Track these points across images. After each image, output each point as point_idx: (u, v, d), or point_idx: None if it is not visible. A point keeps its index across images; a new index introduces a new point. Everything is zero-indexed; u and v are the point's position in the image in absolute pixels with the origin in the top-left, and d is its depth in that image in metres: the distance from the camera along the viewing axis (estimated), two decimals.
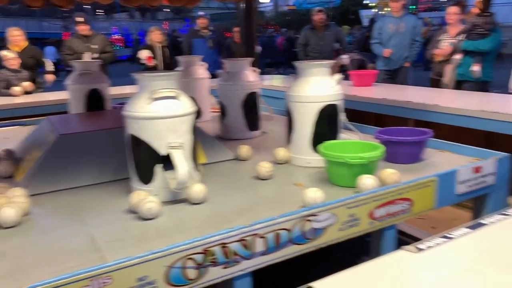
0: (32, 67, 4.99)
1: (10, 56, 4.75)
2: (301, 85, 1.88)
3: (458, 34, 4.46)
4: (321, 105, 1.85)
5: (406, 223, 2.41)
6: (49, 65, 5.14)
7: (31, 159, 1.86)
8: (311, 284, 0.79)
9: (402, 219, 1.62)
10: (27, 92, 4.44)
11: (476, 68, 4.25)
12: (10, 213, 1.36)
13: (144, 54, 6.00)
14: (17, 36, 5.05)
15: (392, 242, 1.62)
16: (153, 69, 5.95)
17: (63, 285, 1.00)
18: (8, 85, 4.53)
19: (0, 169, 1.87)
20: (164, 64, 6.09)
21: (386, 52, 5.30)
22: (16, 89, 4.39)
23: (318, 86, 1.86)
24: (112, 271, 1.05)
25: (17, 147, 2.16)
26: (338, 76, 1.93)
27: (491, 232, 1.04)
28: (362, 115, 3.50)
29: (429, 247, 0.97)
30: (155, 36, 6.16)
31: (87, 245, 1.26)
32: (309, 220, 1.34)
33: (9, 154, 2.04)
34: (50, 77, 5.02)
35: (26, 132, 2.33)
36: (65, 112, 2.92)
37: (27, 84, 4.49)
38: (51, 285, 0.98)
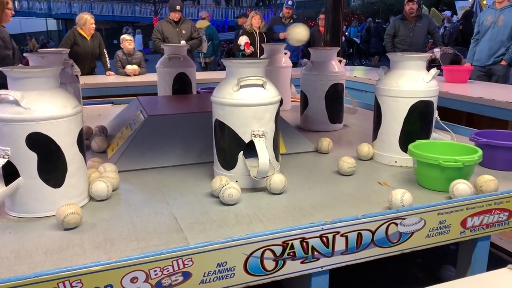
0: (96, 56, 5.12)
1: (128, 39, 5.04)
2: (394, 78, 1.78)
3: None
4: (413, 101, 1.73)
5: (498, 234, 2.21)
6: (106, 62, 5.23)
7: (121, 137, 1.96)
8: None
9: (498, 232, 1.48)
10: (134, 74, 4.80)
11: None
12: (102, 187, 1.44)
13: (243, 40, 5.94)
14: (93, 24, 5.00)
15: (484, 254, 1.49)
16: (251, 56, 5.85)
17: (148, 262, 1.03)
18: (122, 66, 4.93)
19: (94, 144, 1.99)
20: (261, 51, 5.91)
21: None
22: (129, 68, 4.75)
23: (412, 80, 1.75)
24: (194, 253, 1.07)
25: (108, 124, 2.30)
26: (434, 70, 1.79)
27: None
28: (453, 114, 3.26)
29: None
30: (256, 21, 6.06)
31: (170, 224, 1.29)
32: (395, 223, 1.27)
33: (102, 130, 2.17)
34: (111, 74, 5.02)
35: (117, 111, 2.46)
36: (153, 94, 3.05)
37: (135, 68, 4.79)
38: (137, 261, 1.02)
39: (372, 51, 15.42)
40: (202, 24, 7.51)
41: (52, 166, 1.33)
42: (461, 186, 1.42)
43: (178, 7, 5.57)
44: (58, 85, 1.39)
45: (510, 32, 4.83)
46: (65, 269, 0.97)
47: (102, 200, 1.46)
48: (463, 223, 1.38)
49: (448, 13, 14.66)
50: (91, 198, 1.46)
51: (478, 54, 5.02)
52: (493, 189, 1.46)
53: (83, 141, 1.45)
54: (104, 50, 5.26)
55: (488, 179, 1.48)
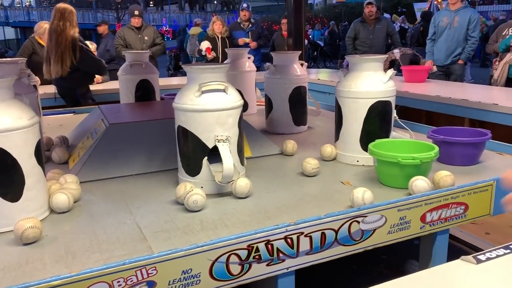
0: None
1: (92, 48, 4.95)
2: (352, 80, 1.82)
3: None
4: (372, 101, 1.78)
5: (458, 227, 2.30)
6: None
7: (82, 147, 1.92)
8: None
9: (455, 225, 1.54)
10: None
11: None
12: (62, 199, 1.41)
13: (204, 45, 5.95)
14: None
15: (444, 247, 1.54)
16: (213, 61, 5.87)
17: (111, 273, 1.01)
18: None
19: (54, 155, 1.94)
20: (223, 56, 5.93)
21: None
22: (97, 77, 4.66)
23: (370, 81, 1.79)
24: (158, 262, 1.06)
25: (69, 134, 2.24)
26: (391, 71, 1.85)
27: None
28: (413, 113, 3.37)
29: (489, 258, 0.90)
30: (217, 26, 6.08)
31: (134, 234, 1.27)
32: (357, 221, 1.29)
33: (63, 141, 2.12)
34: None
35: (78, 120, 2.41)
36: (116, 101, 3.00)
37: (98, 76, 4.71)
38: (99, 272, 1.00)
39: (343, 53, 15.76)
40: (196, 30, 7.68)
41: (8, 180, 1.29)
42: (419, 183, 1.47)
43: (136, 12, 5.52)
44: (12, 96, 1.35)
45: (466, 32, 5.05)
46: (23, 285, 0.94)
47: (63, 212, 1.43)
48: (423, 218, 1.43)
49: (387, 15, 15.41)
50: (52, 211, 1.43)
51: (437, 54, 5.21)
52: (450, 184, 1.52)
53: (42, 152, 1.41)
54: None
55: (445, 175, 1.53)
